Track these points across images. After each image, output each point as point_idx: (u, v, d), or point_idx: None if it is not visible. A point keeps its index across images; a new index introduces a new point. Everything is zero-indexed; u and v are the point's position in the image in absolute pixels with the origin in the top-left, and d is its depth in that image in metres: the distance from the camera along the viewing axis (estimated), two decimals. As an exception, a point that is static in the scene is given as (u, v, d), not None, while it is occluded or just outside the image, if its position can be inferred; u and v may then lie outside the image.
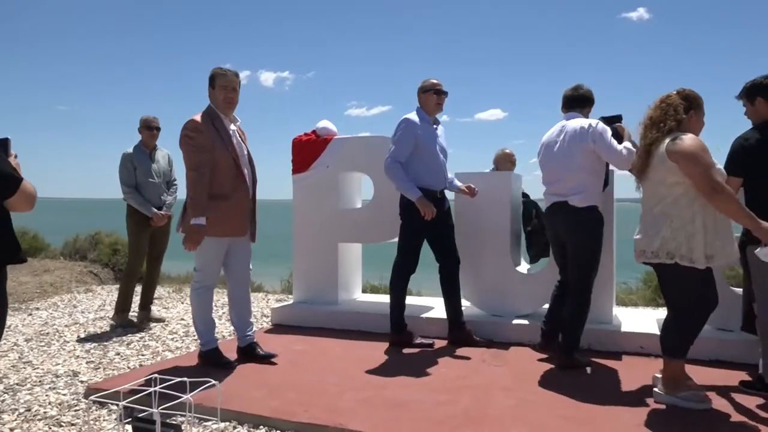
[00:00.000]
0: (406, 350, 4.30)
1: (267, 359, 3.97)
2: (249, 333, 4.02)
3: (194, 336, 4.82)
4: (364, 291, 6.34)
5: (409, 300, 6.03)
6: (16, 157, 2.47)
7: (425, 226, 4.21)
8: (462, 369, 3.79)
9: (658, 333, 4.22)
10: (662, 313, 5.43)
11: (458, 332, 4.43)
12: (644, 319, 4.70)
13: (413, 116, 4.28)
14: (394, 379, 3.58)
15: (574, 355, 3.78)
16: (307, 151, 5.33)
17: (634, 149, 3.53)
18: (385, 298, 6.14)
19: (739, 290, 4.67)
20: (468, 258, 4.84)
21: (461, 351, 4.24)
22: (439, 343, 4.47)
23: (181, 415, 2.89)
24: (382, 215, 5.05)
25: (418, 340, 4.40)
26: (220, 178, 3.73)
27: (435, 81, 4.30)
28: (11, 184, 2.29)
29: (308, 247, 5.34)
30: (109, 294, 7.22)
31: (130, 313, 5.41)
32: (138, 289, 5.50)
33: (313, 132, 5.42)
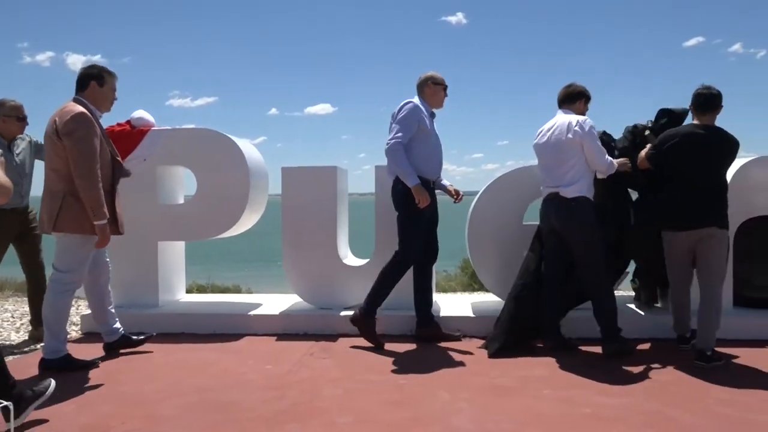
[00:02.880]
0: (235, 351, 4.18)
1: (146, 341, 4.18)
2: (119, 326, 4.12)
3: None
4: (189, 291, 6.07)
5: (240, 298, 5.92)
6: (1, 155, 2.74)
7: (424, 213, 4.07)
8: (289, 365, 3.78)
9: (473, 316, 4.63)
10: (477, 297, 5.92)
11: (427, 328, 4.32)
12: (461, 304, 5.07)
13: (418, 102, 4.14)
14: (219, 381, 3.47)
15: (620, 339, 3.90)
16: (121, 142, 4.89)
17: (615, 165, 3.91)
18: (211, 297, 5.96)
19: None
20: (296, 252, 4.86)
21: (288, 347, 4.23)
22: (268, 341, 4.42)
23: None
24: (207, 211, 4.86)
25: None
26: (103, 173, 3.62)
27: (443, 77, 4.26)
28: None
29: (124, 247, 4.92)
30: None
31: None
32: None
33: (128, 122, 5.02)
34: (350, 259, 5.14)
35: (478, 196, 4.81)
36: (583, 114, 4.08)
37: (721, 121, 3.84)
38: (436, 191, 4.38)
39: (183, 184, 5.42)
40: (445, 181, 4.42)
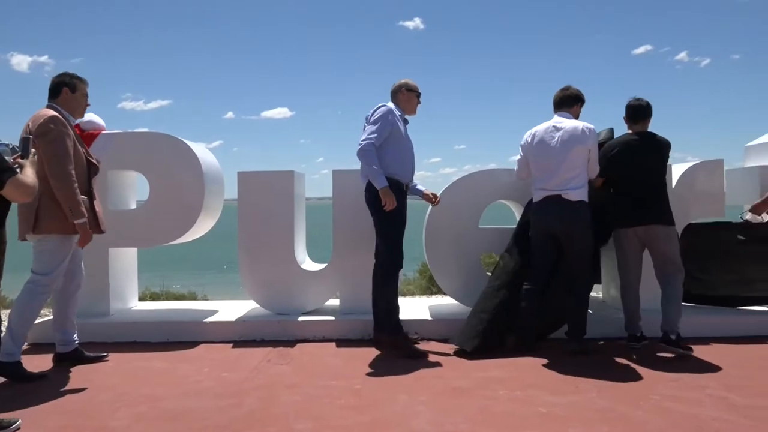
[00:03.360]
0: (190, 359, 4.10)
1: (99, 359, 4.04)
2: (76, 338, 4.03)
3: None
4: (142, 299, 5.92)
5: (195, 305, 5.81)
6: (34, 155, 2.98)
7: (400, 216, 4.03)
8: (246, 371, 3.73)
9: (430, 319, 4.65)
10: (435, 300, 5.97)
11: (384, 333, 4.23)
12: (419, 308, 5.10)
13: (392, 106, 4.15)
14: (173, 390, 3.39)
15: (582, 340, 4.01)
16: (70, 146, 4.77)
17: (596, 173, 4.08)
18: (165, 305, 5.83)
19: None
20: (253, 257, 4.80)
21: (245, 353, 4.17)
22: (224, 348, 4.35)
23: None
24: (160, 216, 4.75)
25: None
26: (79, 175, 3.64)
27: (416, 85, 4.29)
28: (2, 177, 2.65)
29: (73, 254, 4.79)
30: None
31: None
32: None
33: (77, 126, 4.86)
34: (308, 264, 5.11)
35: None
36: (578, 117, 4.21)
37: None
38: (410, 196, 4.35)
39: (135, 189, 5.28)
40: (420, 186, 4.38)
